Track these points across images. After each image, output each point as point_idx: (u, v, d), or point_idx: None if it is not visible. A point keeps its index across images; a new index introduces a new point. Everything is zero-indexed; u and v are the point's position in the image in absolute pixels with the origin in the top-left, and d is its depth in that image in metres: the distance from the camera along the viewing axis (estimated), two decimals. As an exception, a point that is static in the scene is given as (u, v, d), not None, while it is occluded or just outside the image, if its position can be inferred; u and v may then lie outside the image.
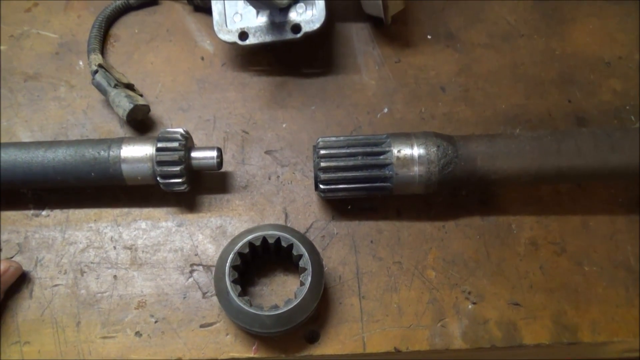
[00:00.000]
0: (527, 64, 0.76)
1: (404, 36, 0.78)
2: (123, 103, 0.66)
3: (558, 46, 0.78)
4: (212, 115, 0.71)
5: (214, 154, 0.63)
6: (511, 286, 0.62)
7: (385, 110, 0.72)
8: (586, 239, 0.65)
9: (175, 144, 0.60)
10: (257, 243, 0.57)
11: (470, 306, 0.61)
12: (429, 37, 0.78)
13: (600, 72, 0.76)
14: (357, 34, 0.78)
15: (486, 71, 0.75)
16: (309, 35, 0.69)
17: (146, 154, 0.60)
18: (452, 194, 0.67)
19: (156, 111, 0.71)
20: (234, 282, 0.55)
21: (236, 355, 0.58)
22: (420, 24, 0.79)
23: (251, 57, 0.75)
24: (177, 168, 0.60)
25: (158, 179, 0.61)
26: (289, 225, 0.64)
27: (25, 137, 0.69)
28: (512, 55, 0.77)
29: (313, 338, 0.59)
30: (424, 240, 0.64)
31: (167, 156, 0.60)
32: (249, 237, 0.57)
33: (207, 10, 0.78)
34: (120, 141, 0.61)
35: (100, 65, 0.69)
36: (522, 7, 0.81)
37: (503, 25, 0.79)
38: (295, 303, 0.54)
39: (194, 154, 0.63)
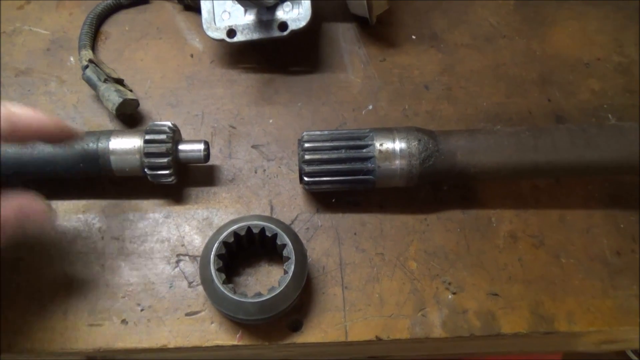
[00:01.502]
0: (509, 64, 0.79)
1: (389, 36, 0.80)
2: (112, 97, 0.67)
3: (538, 47, 0.80)
4: (201, 111, 0.73)
5: (201, 146, 0.64)
6: (490, 277, 0.63)
7: (370, 107, 0.74)
8: (564, 233, 0.66)
9: (162, 136, 0.62)
10: (242, 233, 0.59)
11: (450, 296, 0.62)
12: (413, 37, 0.80)
13: (579, 73, 0.78)
14: (344, 34, 0.80)
15: (469, 71, 0.78)
16: (296, 34, 0.71)
17: (134, 146, 0.62)
18: (434, 189, 0.68)
19: (145, 106, 0.72)
20: (219, 270, 0.57)
21: (220, 342, 0.59)
22: (405, 25, 0.81)
23: (239, 55, 0.77)
24: (165, 160, 0.61)
25: (146, 170, 0.62)
26: (274, 217, 0.65)
27: (15, 131, 0.70)
28: (494, 56, 0.79)
29: (296, 327, 0.60)
30: (406, 233, 0.66)
31: (154, 148, 0.61)
32: (234, 227, 0.59)
33: (196, 9, 0.80)
34: (109, 133, 0.63)
35: (90, 61, 0.70)
36: (504, 10, 0.83)
37: (486, 27, 0.82)
38: (278, 291, 0.56)
39: (181, 147, 0.64)
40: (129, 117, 0.71)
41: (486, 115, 0.74)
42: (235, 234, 0.58)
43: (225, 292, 0.55)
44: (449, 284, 0.63)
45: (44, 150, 0.61)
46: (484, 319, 0.61)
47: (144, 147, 0.61)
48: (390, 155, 0.61)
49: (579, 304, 0.62)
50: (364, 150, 0.62)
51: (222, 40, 0.72)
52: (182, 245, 0.64)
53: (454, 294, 0.62)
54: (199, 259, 0.63)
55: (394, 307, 0.61)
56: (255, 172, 0.69)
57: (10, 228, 0.46)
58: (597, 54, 0.80)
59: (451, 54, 0.79)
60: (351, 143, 0.62)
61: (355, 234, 0.65)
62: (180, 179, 0.66)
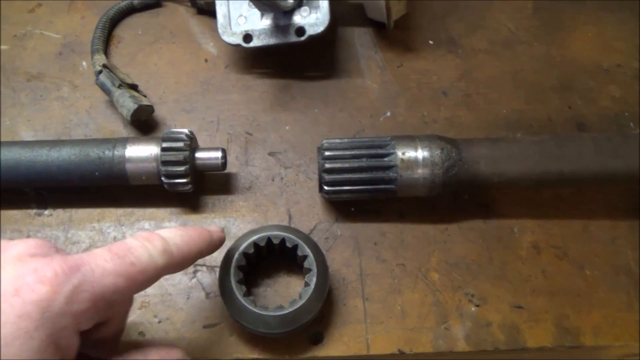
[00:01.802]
0: (528, 70, 0.77)
1: (405, 41, 0.79)
2: (127, 103, 0.66)
3: (557, 53, 0.79)
4: (216, 117, 0.71)
5: (219, 154, 0.63)
6: (514, 289, 0.62)
7: (388, 113, 0.73)
8: (587, 244, 0.65)
9: (180, 144, 0.60)
10: (262, 243, 0.57)
11: (473, 309, 0.61)
12: (430, 42, 0.79)
13: (599, 79, 0.77)
14: (360, 39, 0.79)
15: (487, 77, 0.76)
16: (313, 39, 0.69)
17: (151, 154, 0.60)
18: (454, 198, 0.67)
19: (160, 112, 0.71)
20: (239, 282, 0.55)
21: (240, 356, 0.57)
22: (421, 30, 0.80)
23: (254, 60, 0.76)
24: (182, 168, 0.60)
25: (162, 179, 0.61)
26: (292, 226, 0.64)
27: (28, 137, 0.69)
28: (513, 62, 0.78)
29: (317, 339, 0.58)
30: (427, 243, 0.64)
31: (172, 156, 0.60)
32: (254, 238, 0.57)
33: (210, 13, 0.79)
34: (124, 141, 0.61)
35: (104, 66, 0.69)
36: (522, 15, 0.82)
37: (504, 32, 0.80)
38: (300, 304, 0.54)
39: (198, 155, 0.63)
40: (144, 123, 0.70)
41: (506, 123, 0.73)
42: (255, 244, 0.57)
43: (246, 304, 0.54)
44: (472, 295, 0.61)
45: (58, 158, 0.60)
46: (509, 333, 0.60)
47: (161, 155, 0.60)
48: (412, 164, 0.60)
49: (604, 317, 0.61)
50: (386, 159, 0.60)
51: (238, 46, 0.70)
52: (199, 255, 0.62)
53: (477, 306, 0.61)
54: (216, 269, 0.62)
55: (416, 319, 0.60)
56: (273, 180, 0.67)
57: None
58: (616, 60, 0.79)
59: (469, 60, 0.78)
60: (372, 151, 0.61)
61: (375, 243, 0.64)
62: (196, 187, 0.65)
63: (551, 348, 0.60)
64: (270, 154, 0.69)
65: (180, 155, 0.60)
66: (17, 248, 0.39)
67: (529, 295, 0.62)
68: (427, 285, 0.62)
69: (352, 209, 0.66)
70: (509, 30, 0.80)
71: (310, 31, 0.69)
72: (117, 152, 0.60)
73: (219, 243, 0.51)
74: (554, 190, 0.68)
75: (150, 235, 0.44)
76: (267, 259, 0.61)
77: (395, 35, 0.79)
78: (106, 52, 0.74)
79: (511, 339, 0.60)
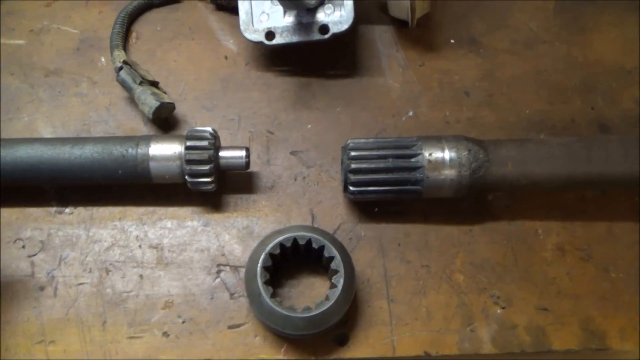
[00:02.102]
0: (550, 70, 0.77)
1: (427, 40, 0.78)
2: (149, 101, 0.65)
3: (580, 54, 0.78)
4: (237, 115, 0.70)
5: (243, 153, 0.62)
6: (539, 292, 0.62)
7: (410, 113, 0.72)
8: (612, 246, 0.65)
9: (204, 143, 0.60)
10: (288, 244, 0.57)
11: (499, 311, 0.60)
12: (452, 41, 0.78)
13: (621, 80, 0.76)
14: (381, 37, 0.78)
15: (509, 77, 0.76)
16: (336, 37, 0.69)
17: (174, 152, 0.60)
18: (477, 199, 0.67)
19: (180, 109, 0.70)
20: (266, 283, 0.55)
21: (265, 357, 0.57)
22: (443, 29, 0.79)
23: (275, 57, 0.75)
24: (207, 167, 0.59)
25: (186, 177, 0.60)
26: (316, 226, 0.63)
27: (47, 133, 0.68)
28: (535, 62, 0.77)
29: (342, 341, 0.58)
30: (451, 244, 0.64)
31: (196, 155, 0.59)
32: (280, 238, 0.57)
33: (229, 9, 0.78)
34: (148, 139, 0.60)
35: (124, 62, 0.68)
36: (543, 14, 0.81)
37: (525, 32, 0.80)
38: (328, 305, 0.54)
39: (222, 153, 0.62)
40: (164, 120, 0.69)
41: (529, 123, 0.72)
42: (281, 245, 0.56)
43: (274, 306, 0.53)
44: (498, 297, 0.61)
45: (81, 156, 0.59)
46: (534, 335, 0.59)
47: (186, 154, 0.59)
48: (439, 165, 0.59)
49: (630, 319, 0.61)
50: (412, 160, 0.60)
51: (260, 43, 0.69)
52: (223, 255, 0.62)
53: (502, 308, 0.61)
54: (240, 269, 0.61)
55: (441, 321, 0.60)
56: (295, 180, 0.67)
57: None
58: (638, 62, 0.78)
59: (491, 59, 0.77)
60: (399, 152, 0.60)
61: (399, 244, 0.63)
62: (219, 185, 0.64)
63: (577, 351, 0.59)
64: (292, 153, 0.68)
65: (204, 154, 0.59)
66: None
67: (554, 297, 0.62)
68: (452, 286, 0.61)
69: (376, 210, 0.65)
70: (530, 30, 0.80)
71: (334, 29, 0.68)
72: (141, 151, 0.59)
73: None
74: (578, 192, 0.68)
75: None
76: (292, 259, 0.60)
77: (416, 34, 0.78)
78: (125, 47, 0.73)
79: (537, 341, 0.59)
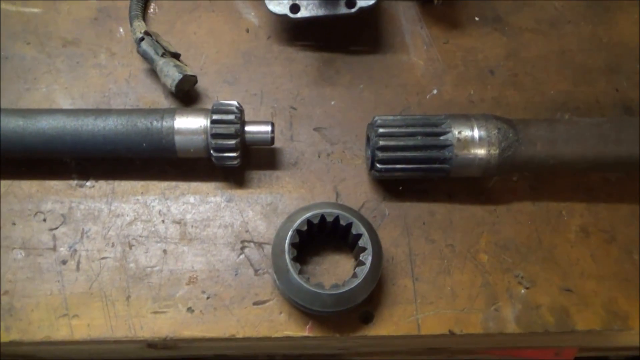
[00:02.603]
0: (575, 50, 0.76)
1: (451, 17, 0.76)
2: (172, 73, 0.64)
3: (605, 34, 0.77)
4: (259, 90, 0.69)
5: (268, 128, 0.61)
6: (563, 272, 0.62)
7: (435, 91, 0.71)
8: (635, 228, 0.65)
9: (231, 117, 0.58)
10: (315, 221, 0.56)
11: (523, 291, 0.60)
12: (476, 19, 0.77)
13: (646, 62, 0.75)
14: (405, 13, 0.76)
15: (534, 56, 0.75)
16: (362, 11, 0.67)
17: (200, 126, 0.58)
18: (502, 179, 0.66)
19: (201, 83, 0.68)
20: (294, 259, 0.54)
21: (290, 333, 0.57)
22: (467, 6, 0.78)
23: (297, 32, 0.73)
24: (233, 142, 0.58)
25: (212, 152, 0.59)
26: (341, 204, 0.63)
27: (65, 105, 0.66)
28: (560, 42, 0.76)
29: (367, 319, 0.58)
30: (475, 224, 0.63)
31: (222, 129, 0.58)
32: (307, 215, 0.56)
33: (250, -19, 0.76)
34: (172, 112, 0.59)
35: (146, 33, 0.66)
36: (568, -7, 0.80)
37: (550, 11, 0.78)
38: (356, 283, 0.54)
39: (248, 128, 0.61)
40: (186, 94, 0.67)
41: (553, 104, 0.71)
42: (308, 221, 0.56)
43: (302, 282, 0.53)
44: (522, 278, 0.61)
45: (105, 128, 0.58)
46: (558, 315, 0.60)
47: (211, 128, 0.58)
48: (468, 143, 0.59)
49: (653, 301, 0.61)
50: (442, 138, 0.59)
51: (284, 16, 0.68)
52: (247, 231, 0.61)
53: (526, 288, 0.61)
54: (264, 245, 0.61)
55: (466, 300, 0.60)
56: (319, 157, 0.66)
57: None
58: (663, 43, 0.77)
59: (515, 38, 0.76)
60: (428, 129, 0.59)
61: (424, 223, 0.63)
62: (243, 161, 0.63)
63: (599, 331, 0.60)
64: (315, 129, 0.67)
65: (231, 129, 0.58)
66: None
67: (578, 278, 0.62)
68: (476, 266, 0.61)
69: (400, 188, 0.64)
70: (555, 9, 0.78)
71: (361, 3, 0.66)
72: (166, 124, 0.58)
73: None
74: (603, 174, 0.67)
75: None
76: (317, 236, 0.60)
77: (440, 11, 0.76)
78: (144, 18, 0.71)
79: (561, 321, 0.59)
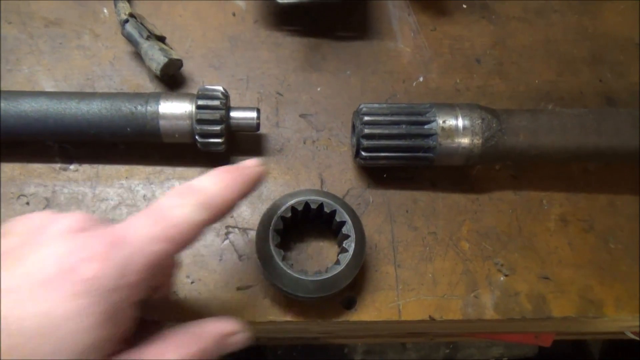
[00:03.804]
0: (560, 40, 0.76)
1: (439, 4, 0.76)
2: (157, 56, 0.63)
3: (590, 24, 0.78)
4: (245, 75, 0.69)
5: (254, 114, 0.61)
6: (541, 260, 0.63)
7: (421, 79, 0.71)
8: (613, 218, 0.66)
9: (216, 102, 0.58)
10: (300, 208, 0.57)
11: (502, 278, 0.62)
12: (464, 6, 0.77)
13: (630, 53, 0.76)
14: (393, -1, 0.76)
15: (520, 45, 0.75)
16: (349, -3, 0.67)
17: (185, 111, 0.58)
18: (485, 168, 0.67)
19: (187, 67, 0.68)
20: (277, 246, 0.55)
21: (274, 318, 0.57)
22: (455, -7, 0.78)
23: (284, 17, 0.73)
24: (218, 127, 0.58)
25: (196, 137, 0.59)
26: (326, 191, 0.63)
27: (48, 87, 0.66)
28: (546, 31, 0.77)
29: (350, 304, 0.59)
30: (458, 212, 0.64)
31: (207, 114, 0.58)
32: (292, 202, 0.56)
33: (237, -37, 0.75)
34: (157, 96, 0.59)
35: (130, 15, 0.65)
36: (556, -18, 0.80)
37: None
38: (339, 269, 0.54)
39: (233, 114, 0.61)
40: (171, 78, 0.67)
41: (538, 94, 0.72)
42: (292, 208, 0.56)
43: (285, 269, 0.54)
44: (501, 265, 0.62)
45: (89, 112, 0.57)
46: (535, 302, 0.61)
47: (197, 113, 0.58)
48: (452, 132, 0.59)
49: (626, 289, 0.63)
50: (426, 127, 0.60)
51: (272, 0, 0.67)
52: (231, 217, 0.62)
53: (505, 275, 0.62)
54: (249, 231, 0.61)
55: (446, 287, 0.61)
56: (304, 143, 0.66)
57: (211, 356, 0.42)
58: (648, 35, 0.78)
59: (502, 27, 0.76)
60: (412, 118, 0.60)
61: (407, 211, 0.64)
62: (228, 147, 0.63)
63: (575, 318, 0.61)
64: (301, 115, 0.68)
65: (216, 114, 0.58)
66: (62, 222, 0.37)
67: (556, 266, 0.63)
68: (458, 254, 0.62)
69: (384, 176, 0.65)
70: (542, -3, 0.79)
71: (349, -11, 0.66)
72: (150, 108, 0.58)
73: (259, 179, 0.46)
74: (583, 164, 0.69)
75: (185, 190, 0.41)
76: (301, 223, 0.60)
77: (428, -3, 0.76)
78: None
79: (537, 308, 0.61)
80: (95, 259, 0.35)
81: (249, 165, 0.45)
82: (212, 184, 0.42)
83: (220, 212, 0.42)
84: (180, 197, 0.40)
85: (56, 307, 0.33)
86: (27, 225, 0.39)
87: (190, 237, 0.40)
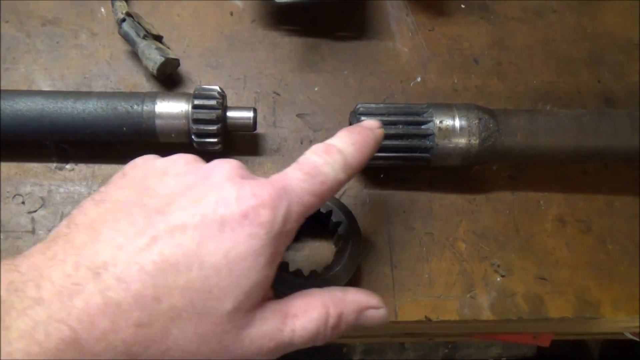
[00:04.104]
0: (559, 41, 0.76)
1: (438, 4, 0.76)
2: (153, 56, 0.63)
3: (589, 24, 0.78)
4: (243, 75, 0.69)
5: (251, 114, 0.61)
6: (538, 261, 0.63)
7: (419, 79, 0.71)
8: (611, 219, 0.66)
9: (212, 102, 0.58)
10: (296, 208, 0.56)
11: (498, 279, 0.62)
12: (462, 6, 0.77)
13: (629, 54, 0.76)
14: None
15: (519, 46, 0.75)
16: (347, -3, 0.67)
17: (181, 111, 0.58)
18: (483, 168, 0.67)
19: (184, 67, 0.68)
20: (273, 246, 0.55)
21: (270, 318, 0.57)
22: (453, -8, 0.77)
23: (282, 16, 0.73)
24: (214, 127, 0.58)
25: (193, 137, 0.59)
26: (322, 191, 0.63)
27: (45, 86, 0.65)
28: (544, 31, 0.76)
29: (346, 304, 0.59)
30: (455, 213, 0.64)
31: (204, 114, 0.58)
32: (288, 202, 0.56)
33: (235, -37, 0.74)
34: (154, 96, 0.59)
35: (127, 14, 0.65)
36: (554, -18, 0.80)
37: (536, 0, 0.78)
38: (335, 270, 0.54)
39: (230, 114, 0.61)
40: (168, 77, 0.67)
41: (536, 94, 0.72)
42: (289, 209, 0.56)
43: (281, 269, 0.54)
44: (498, 266, 0.62)
45: (84, 111, 0.57)
46: (532, 303, 0.61)
47: (193, 113, 0.58)
48: (449, 133, 0.59)
49: (623, 290, 0.63)
50: (423, 127, 0.59)
51: (270, 0, 0.67)
52: (228, 216, 0.61)
53: (502, 276, 0.62)
54: (245, 231, 0.61)
55: (443, 288, 0.61)
56: (301, 143, 0.66)
57: (348, 328, 0.43)
58: (647, 35, 0.78)
59: (501, 27, 0.76)
60: (410, 118, 0.60)
61: (404, 211, 0.64)
62: (225, 146, 0.63)
63: (572, 319, 0.61)
64: (298, 115, 0.67)
65: (212, 114, 0.58)
66: (224, 168, 0.40)
67: (553, 267, 0.63)
68: (455, 254, 0.62)
69: (381, 176, 0.65)
70: (541, -3, 0.78)
71: (347, -12, 0.66)
72: (147, 108, 0.58)
73: (380, 139, 0.48)
74: (581, 164, 0.68)
75: (329, 149, 0.43)
76: (298, 223, 0.60)
77: (427, -3, 0.76)
78: (126, -2, 0.70)
79: (534, 309, 0.61)
80: (267, 206, 0.38)
81: (372, 126, 0.47)
82: (348, 145, 0.44)
83: (354, 174, 0.44)
84: (328, 156, 0.43)
85: (236, 246, 0.36)
86: (183, 167, 0.43)
87: (330, 194, 0.43)
